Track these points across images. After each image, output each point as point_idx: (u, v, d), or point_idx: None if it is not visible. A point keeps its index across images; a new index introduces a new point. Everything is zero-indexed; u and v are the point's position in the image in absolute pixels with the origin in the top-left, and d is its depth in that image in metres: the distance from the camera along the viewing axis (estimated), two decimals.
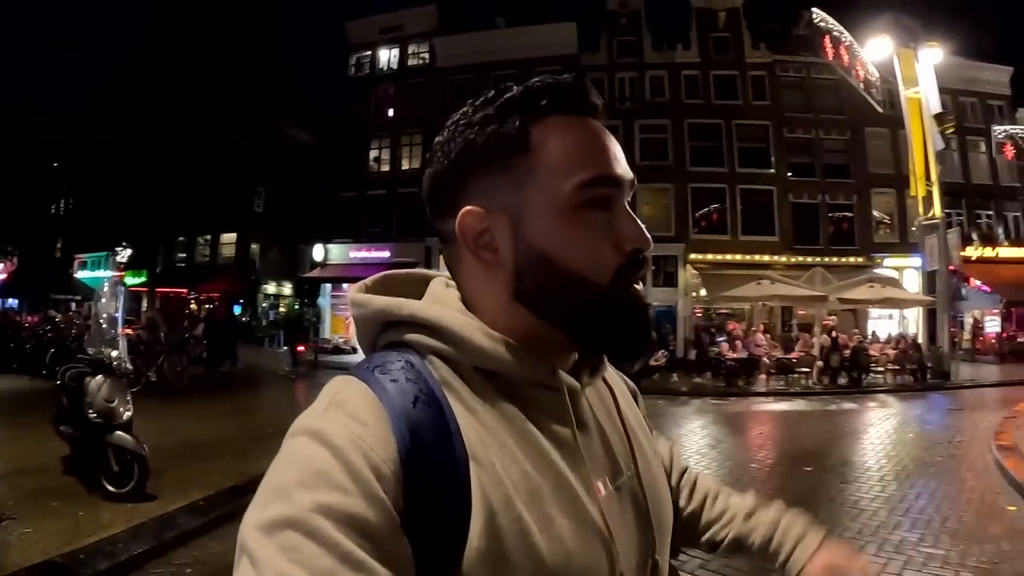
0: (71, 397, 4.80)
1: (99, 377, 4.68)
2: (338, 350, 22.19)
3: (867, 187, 22.14)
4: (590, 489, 0.56)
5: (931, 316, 17.44)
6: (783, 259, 20.69)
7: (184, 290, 26.90)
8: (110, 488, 4.46)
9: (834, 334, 15.33)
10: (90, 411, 4.56)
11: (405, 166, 23.62)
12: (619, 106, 21.59)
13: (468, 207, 0.57)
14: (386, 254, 22.88)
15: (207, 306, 25.95)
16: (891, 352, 16.35)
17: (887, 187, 22.02)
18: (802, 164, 21.93)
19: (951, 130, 19.45)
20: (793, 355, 15.72)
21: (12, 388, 10.60)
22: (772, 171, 21.47)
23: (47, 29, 47.66)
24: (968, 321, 24.00)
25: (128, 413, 4.68)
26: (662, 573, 0.64)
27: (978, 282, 22.49)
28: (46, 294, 29.90)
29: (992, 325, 23.56)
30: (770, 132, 21.78)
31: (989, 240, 23.71)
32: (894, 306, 18.91)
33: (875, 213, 22.84)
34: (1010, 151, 22.49)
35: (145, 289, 28.26)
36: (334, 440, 0.47)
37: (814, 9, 18.64)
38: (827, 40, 18.33)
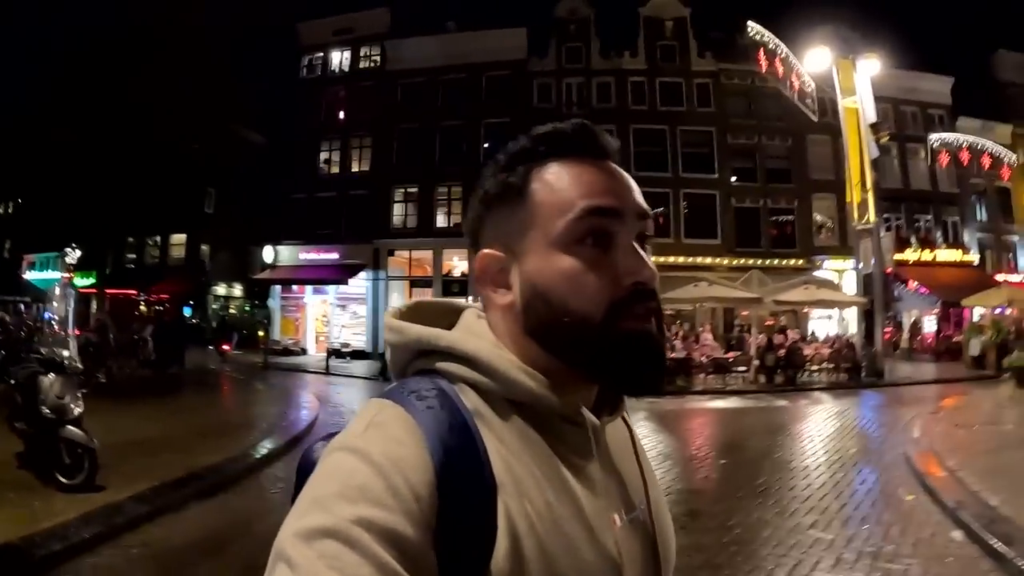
0: (25, 395, 5.06)
1: (51, 375, 4.96)
2: (288, 351, 22.11)
3: (808, 192, 22.78)
4: (607, 521, 0.58)
5: (868, 316, 17.98)
6: (725, 261, 21.16)
7: (134, 291, 26.47)
8: (63, 480, 4.76)
9: (774, 335, 15.75)
10: (43, 408, 4.83)
11: (355, 168, 23.65)
12: (566, 112, 21.87)
13: (485, 249, 0.62)
14: (335, 256, 22.85)
15: (156, 308, 25.60)
16: (826, 351, 16.80)
17: (827, 192, 22.66)
18: (745, 169, 22.50)
19: (886, 139, 20.06)
20: (730, 355, 16.06)
21: None
22: (715, 176, 21.98)
23: None
24: (907, 321, 24.80)
25: (79, 409, 4.95)
26: None
27: (915, 284, 23.29)
28: None
29: (929, 325, 24.35)
30: (714, 138, 22.30)
31: (927, 244, 24.53)
32: (828, 307, 19.44)
33: (817, 217, 23.50)
34: (944, 158, 23.30)
35: (94, 290, 27.73)
36: (375, 458, 0.49)
37: (749, 23, 19.14)
38: (762, 52, 18.84)
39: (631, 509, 0.63)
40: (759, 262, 20.38)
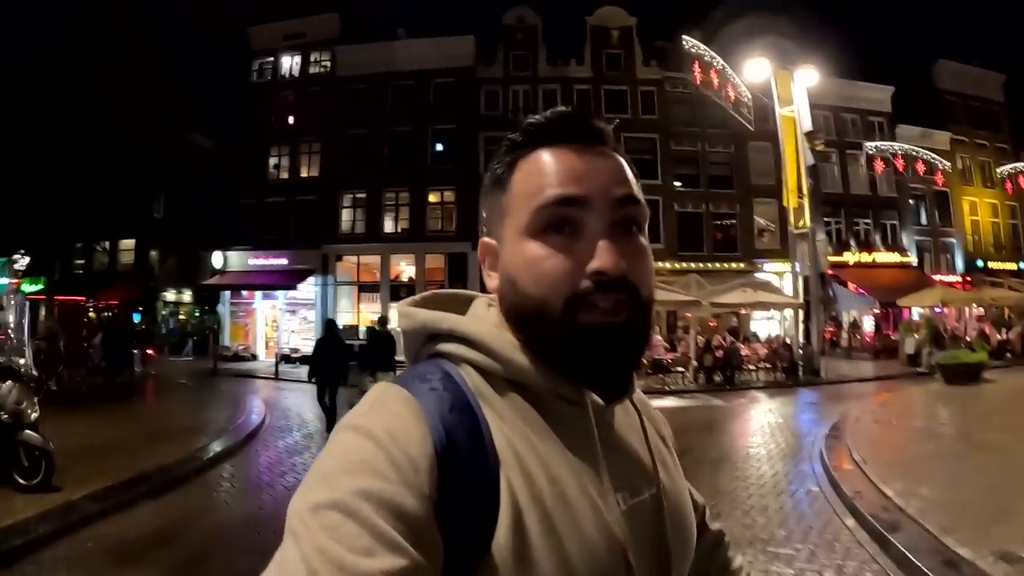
0: None
1: (8, 382, 5.22)
2: (238, 357, 22.02)
3: (749, 197, 23.42)
4: (608, 501, 0.58)
5: (808, 317, 18.57)
6: (668, 265, 21.63)
7: (82, 298, 26.04)
8: (20, 481, 5.06)
9: (713, 336, 16.21)
10: (1, 413, 5.10)
11: (304, 174, 23.63)
12: (512, 118, 22.16)
13: (483, 237, 0.66)
14: (284, 261, 22.84)
15: (105, 314, 25.24)
16: (763, 351, 17.31)
17: (768, 197, 23.26)
18: (688, 175, 23.06)
19: (821, 147, 20.73)
20: (668, 356, 16.45)
21: None
22: (659, 182, 22.46)
23: None
24: (847, 321, 25.61)
25: (35, 414, 5.27)
26: None
27: (854, 285, 24.08)
28: None
29: (868, 325, 25.19)
30: (658, 145, 22.82)
31: (866, 246, 25.38)
32: (764, 308, 20.01)
33: (760, 221, 24.15)
34: (880, 165, 24.15)
35: (43, 297, 27.23)
36: (376, 433, 0.51)
37: (684, 36, 19.69)
38: (697, 65, 19.38)
39: (637, 493, 0.62)
40: (701, 266, 20.95)
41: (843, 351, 23.98)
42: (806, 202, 19.06)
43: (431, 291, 0.72)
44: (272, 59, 24.76)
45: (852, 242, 25.26)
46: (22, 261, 25.88)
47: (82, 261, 27.19)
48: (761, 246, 23.61)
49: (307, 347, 21.89)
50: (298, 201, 22.70)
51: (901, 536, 4.15)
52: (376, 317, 12.74)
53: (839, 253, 24.76)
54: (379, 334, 9.18)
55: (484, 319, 0.64)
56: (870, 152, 24.29)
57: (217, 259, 23.43)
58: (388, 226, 22.87)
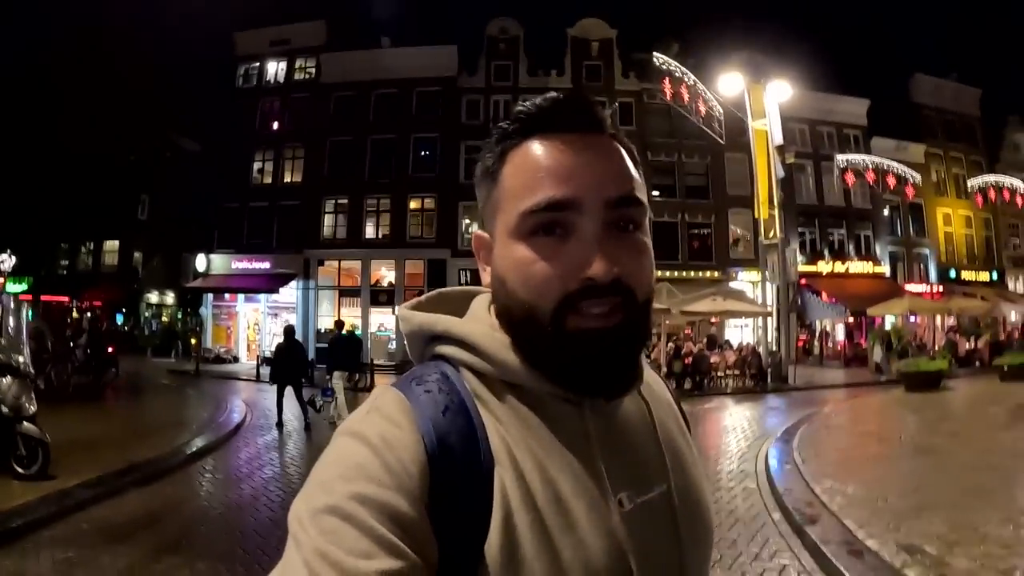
0: None
1: (8, 378, 5.61)
2: (220, 359, 22.32)
3: (724, 207, 23.93)
4: (609, 502, 0.57)
5: (787, 325, 19.03)
6: None
7: (66, 298, 26.26)
8: (19, 470, 5.47)
9: (683, 343, 16.66)
10: (2, 406, 5.47)
11: (287, 179, 23.96)
12: (492, 127, 22.56)
13: (477, 230, 0.64)
14: (266, 265, 23.14)
15: (88, 315, 25.44)
16: (732, 358, 17.74)
17: (743, 207, 23.71)
18: (665, 185, 23.54)
19: (791, 160, 21.26)
20: None
21: None
22: None
23: None
24: (820, 329, 26.15)
25: (33, 408, 5.65)
26: None
27: (826, 295, 24.60)
28: None
29: (840, 333, 25.74)
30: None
31: (840, 256, 25.94)
32: (734, 316, 20.46)
33: (737, 231, 24.65)
34: (851, 178, 24.71)
35: (29, 297, 27.40)
36: (371, 439, 0.52)
37: (655, 53, 20.18)
38: (667, 81, 19.87)
39: (644, 491, 0.60)
40: (676, 274, 21.39)
41: (816, 359, 24.54)
42: (776, 213, 19.50)
43: (439, 290, 0.70)
44: (258, 65, 25.07)
45: (826, 252, 25.81)
46: (9, 261, 26.08)
47: (66, 262, 27.39)
48: (736, 255, 24.10)
49: None
50: (281, 206, 23.03)
51: (817, 528, 4.47)
52: (333, 321, 13.51)
53: (813, 263, 25.31)
54: (337, 337, 10.02)
55: (480, 319, 0.63)
56: (840, 165, 24.84)
57: (200, 262, 23.71)
58: (369, 232, 23.24)
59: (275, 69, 24.96)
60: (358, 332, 18.30)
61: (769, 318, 19.17)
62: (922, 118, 28.77)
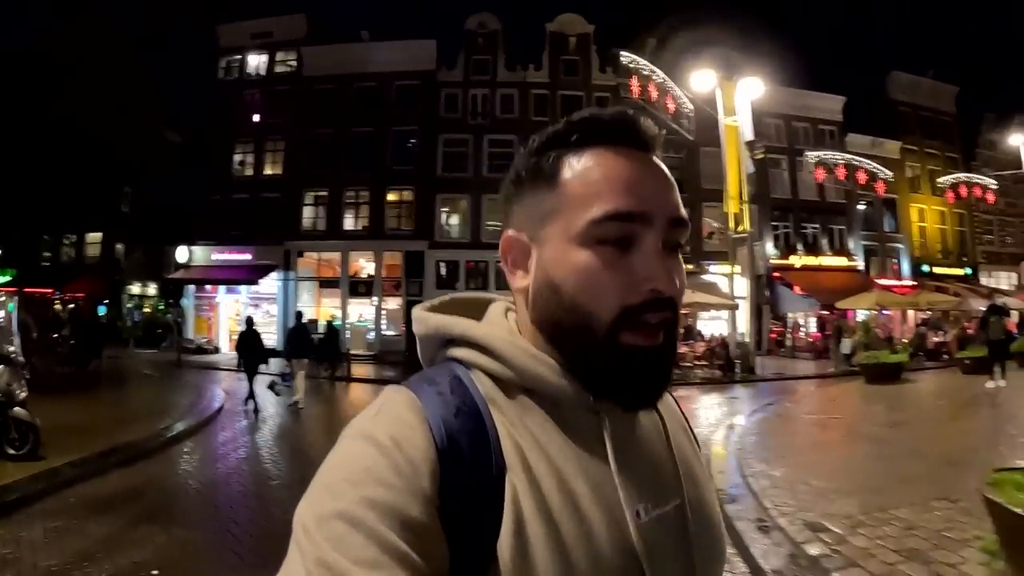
0: None
1: (0, 366, 6.02)
2: (201, 350, 22.62)
3: (699, 201, 24.31)
4: (625, 513, 0.55)
5: (756, 317, 19.42)
6: None
7: (49, 290, 26.38)
8: (10, 451, 5.93)
9: None
10: None
11: (268, 171, 24.19)
12: (471, 121, 22.95)
13: (509, 231, 0.62)
14: (248, 256, 23.39)
15: (70, 306, 25.64)
16: (700, 349, 18.18)
17: (717, 200, 24.06)
18: None
19: (761, 155, 21.66)
20: None
21: None
22: None
23: None
24: (793, 322, 26.66)
25: (24, 394, 6.10)
26: None
27: (799, 287, 25.09)
28: None
29: (812, 326, 26.26)
30: None
31: (813, 250, 26.44)
32: (704, 309, 20.91)
33: (714, 224, 25.04)
34: (821, 174, 25.17)
35: (13, 289, 27.52)
36: (380, 440, 0.51)
37: (622, 52, 20.51)
38: (635, 79, 20.22)
39: (661, 504, 0.59)
40: None
41: (788, 350, 25.04)
42: (746, 208, 19.93)
43: (452, 295, 0.70)
44: (240, 57, 25.19)
45: (799, 246, 26.30)
46: None
47: (49, 254, 27.52)
48: (709, 248, 24.52)
49: (269, 341, 22.55)
50: (262, 198, 23.27)
51: (734, 507, 4.73)
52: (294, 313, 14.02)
53: (785, 256, 25.79)
54: (294, 328, 10.77)
55: (498, 324, 0.63)
56: (811, 160, 25.28)
57: (182, 253, 23.92)
58: (348, 224, 23.53)
59: (257, 62, 25.10)
60: (337, 323, 18.75)
61: (742, 310, 19.64)
62: (898, 115, 29.27)
